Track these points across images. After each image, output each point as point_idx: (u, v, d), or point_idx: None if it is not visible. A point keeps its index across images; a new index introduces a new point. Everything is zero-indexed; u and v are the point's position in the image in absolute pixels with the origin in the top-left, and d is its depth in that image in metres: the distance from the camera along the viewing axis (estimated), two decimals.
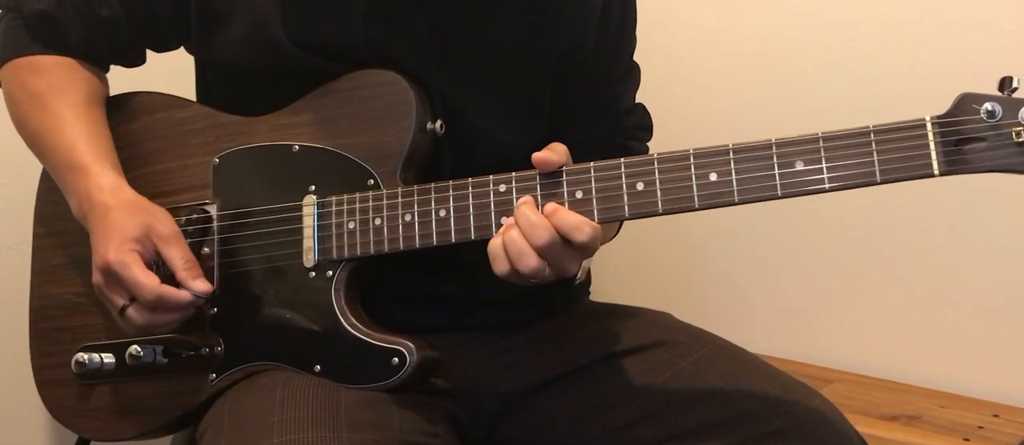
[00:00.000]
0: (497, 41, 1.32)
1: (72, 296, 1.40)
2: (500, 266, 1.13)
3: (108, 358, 1.33)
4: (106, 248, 1.23)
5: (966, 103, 1.02)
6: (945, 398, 1.83)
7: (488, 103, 1.32)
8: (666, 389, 1.28)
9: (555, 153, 1.16)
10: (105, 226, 1.25)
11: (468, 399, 1.32)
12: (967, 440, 1.66)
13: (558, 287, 1.20)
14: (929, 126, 1.02)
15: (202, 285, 1.25)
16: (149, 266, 1.25)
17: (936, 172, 1.02)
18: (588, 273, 1.51)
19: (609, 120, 1.44)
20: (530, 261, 1.11)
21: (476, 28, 1.31)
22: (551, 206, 1.13)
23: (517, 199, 1.15)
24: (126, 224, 1.25)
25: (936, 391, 1.86)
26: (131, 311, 1.24)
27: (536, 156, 1.15)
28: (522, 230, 1.12)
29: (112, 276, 1.24)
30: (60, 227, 1.41)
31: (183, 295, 1.24)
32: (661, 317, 1.42)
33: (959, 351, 1.87)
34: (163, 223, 1.26)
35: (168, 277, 1.25)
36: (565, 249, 1.12)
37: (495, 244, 1.14)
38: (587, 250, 1.14)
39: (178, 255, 1.25)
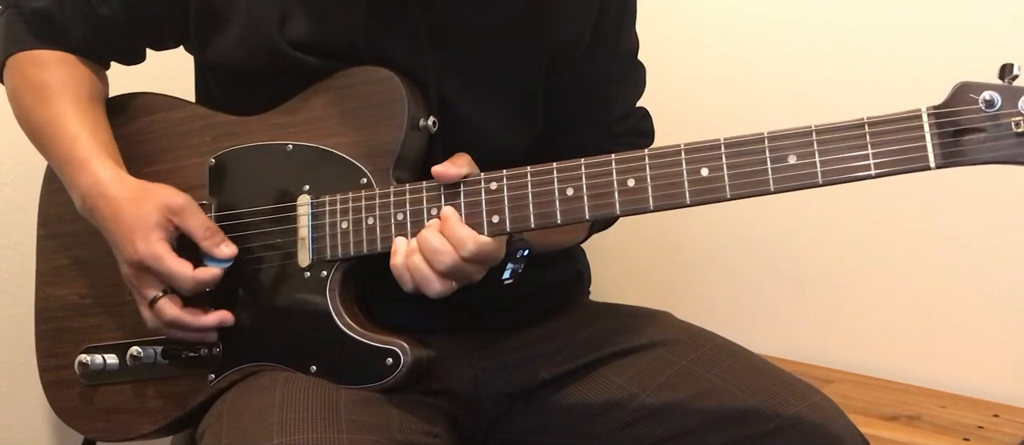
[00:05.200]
0: (495, 41, 1.32)
1: (75, 297, 1.40)
2: (405, 287, 1.17)
3: (111, 359, 1.35)
4: (132, 244, 1.24)
5: (964, 92, 0.98)
6: (945, 398, 1.82)
7: (485, 102, 1.32)
8: (666, 388, 1.28)
9: (455, 165, 1.18)
10: (121, 220, 1.26)
11: (467, 399, 1.33)
12: (967, 440, 1.65)
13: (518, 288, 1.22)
14: (925, 117, 0.99)
15: (227, 249, 1.27)
16: (173, 245, 1.26)
17: (932, 165, 0.99)
18: (593, 275, 1.51)
19: (598, 125, 1.42)
20: (435, 286, 1.15)
21: (475, 28, 1.30)
22: (446, 213, 1.16)
23: (509, 197, 1.16)
24: (142, 212, 1.25)
25: (936, 391, 1.85)
26: (163, 303, 1.25)
27: (435, 169, 1.18)
28: (425, 256, 1.15)
29: (145, 269, 1.25)
30: (63, 229, 1.42)
31: (214, 271, 1.25)
32: (661, 317, 1.42)
33: (959, 351, 1.86)
34: (173, 196, 1.27)
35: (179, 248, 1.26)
36: (466, 264, 1.15)
37: (397, 266, 1.17)
38: (486, 262, 1.17)
39: (197, 224, 1.26)
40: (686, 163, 1.08)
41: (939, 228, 1.86)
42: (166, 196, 1.27)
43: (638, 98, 1.48)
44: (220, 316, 1.27)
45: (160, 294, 1.25)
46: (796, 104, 1.97)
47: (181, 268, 1.23)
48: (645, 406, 1.27)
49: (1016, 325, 1.80)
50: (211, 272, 1.25)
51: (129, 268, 1.26)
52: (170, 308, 1.25)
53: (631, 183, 1.10)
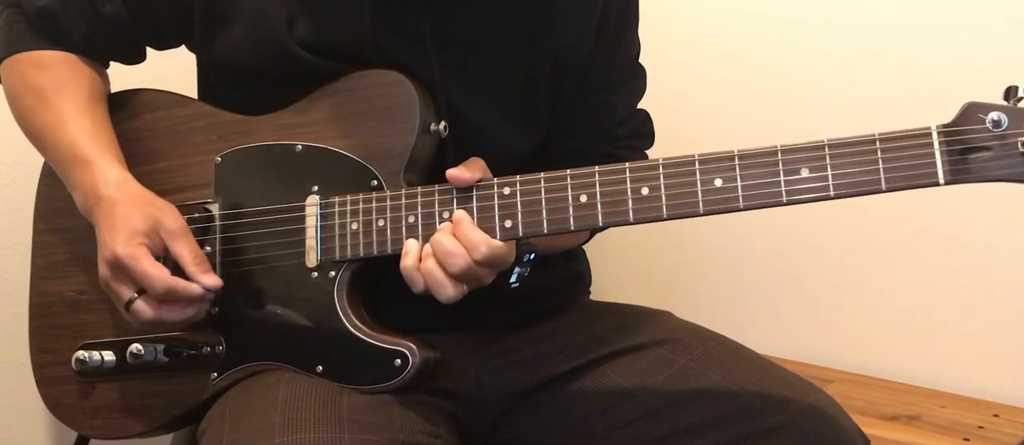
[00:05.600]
0: (498, 43, 1.32)
1: (72, 293, 1.39)
2: (416, 289, 1.17)
3: (109, 356, 1.33)
4: (114, 241, 1.23)
5: (972, 112, 1.01)
6: (945, 398, 1.83)
7: (491, 105, 1.32)
8: (666, 386, 1.28)
9: (469, 169, 1.18)
10: (111, 219, 1.25)
11: (470, 399, 1.33)
12: (967, 440, 1.66)
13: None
14: (935, 135, 1.02)
15: (211, 279, 1.24)
16: (157, 260, 1.24)
17: (941, 181, 1.02)
18: (594, 275, 1.51)
19: (600, 128, 1.43)
20: (447, 291, 1.15)
21: (480, 31, 1.31)
22: (458, 216, 1.16)
23: (523, 202, 1.16)
24: (134, 217, 1.24)
25: (936, 391, 1.86)
26: (138, 304, 1.23)
27: (449, 172, 1.18)
28: (438, 259, 1.15)
29: (120, 269, 1.23)
30: (60, 224, 1.41)
31: (193, 288, 1.23)
32: (661, 316, 1.42)
33: (959, 351, 1.87)
34: (171, 218, 1.26)
35: (175, 271, 1.25)
36: (478, 267, 1.15)
37: (408, 268, 1.17)
38: (497, 265, 1.17)
39: (187, 250, 1.24)
40: (700, 173, 1.09)
41: (939, 228, 1.86)
42: (164, 215, 1.26)
43: (639, 100, 1.49)
44: (198, 308, 1.25)
45: (135, 295, 1.23)
46: (796, 104, 1.98)
47: (156, 270, 1.21)
48: (646, 404, 1.28)
49: (1016, 325, 1.81)
50: (188, 286, 1.23)
51: (105, 266, 1.25)
52: (146, 309, 1.23)
53: (645, 191, 1.11)
